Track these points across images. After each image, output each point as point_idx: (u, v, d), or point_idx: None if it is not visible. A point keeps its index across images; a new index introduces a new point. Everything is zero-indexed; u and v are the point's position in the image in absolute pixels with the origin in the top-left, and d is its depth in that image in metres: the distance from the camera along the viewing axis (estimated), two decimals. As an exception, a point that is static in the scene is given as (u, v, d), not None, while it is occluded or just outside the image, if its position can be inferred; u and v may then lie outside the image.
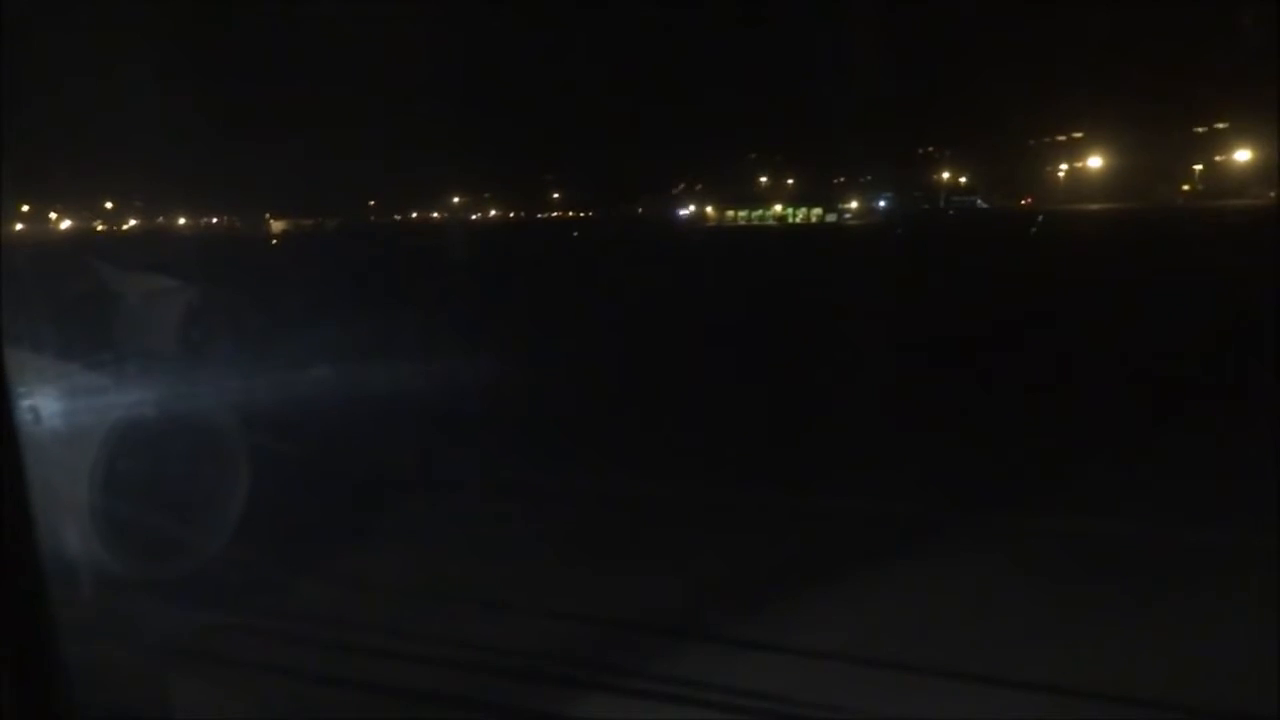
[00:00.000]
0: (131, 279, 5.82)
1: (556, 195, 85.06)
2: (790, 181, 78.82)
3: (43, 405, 5.21)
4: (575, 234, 59.29)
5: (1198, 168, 65.37)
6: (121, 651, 4.93)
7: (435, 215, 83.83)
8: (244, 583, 5.65)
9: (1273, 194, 59.24)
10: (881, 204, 75.42)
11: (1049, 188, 70.52)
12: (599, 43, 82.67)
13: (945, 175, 76.86)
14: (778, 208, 78.91)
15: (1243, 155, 63.56)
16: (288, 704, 4.91)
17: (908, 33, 67.88)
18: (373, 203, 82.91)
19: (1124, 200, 59.76)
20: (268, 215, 72.70)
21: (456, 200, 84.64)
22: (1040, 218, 51.86)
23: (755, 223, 76.35)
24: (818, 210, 76.64)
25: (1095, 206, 61.53)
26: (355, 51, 68.53)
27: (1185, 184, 66.35)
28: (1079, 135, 67.45)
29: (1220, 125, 63.22)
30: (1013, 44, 66.35)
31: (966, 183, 76.66)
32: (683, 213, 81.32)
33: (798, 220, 76.07)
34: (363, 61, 68.94)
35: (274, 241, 51.54)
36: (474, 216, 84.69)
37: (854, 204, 76.30)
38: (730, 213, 79.66)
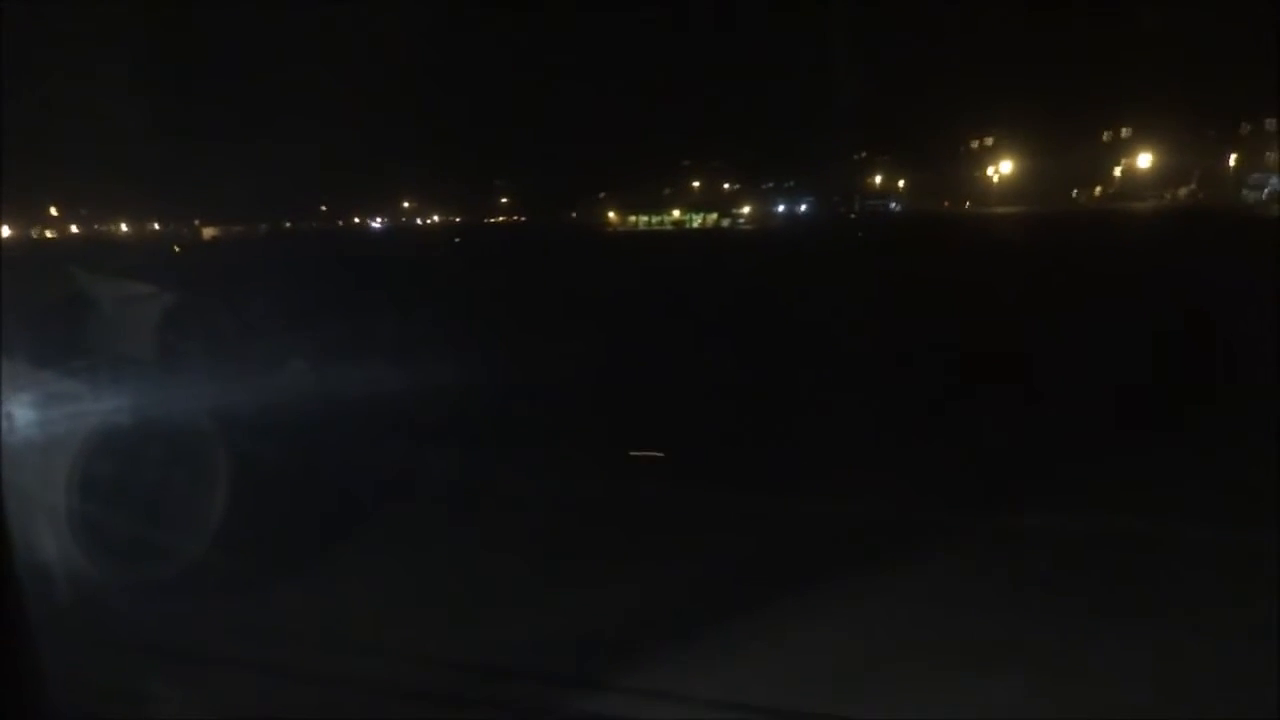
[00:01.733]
0: (105, 285, 5.87)
1: (505, 200, 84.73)
2: (695, 185, 79.76)
3: (17, 413, 5.25)
4: (456, 239, 59.24)
5: (1117, 172, 67.80)
6: (97, 655, 4.99)
7: (378, 221, 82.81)
8: (217, 585, 5.71)
9: (1168, 195, 62.52)
10: (780, 209, 77.35)
11: (975, 191, 72.24)
12: (546, 48, 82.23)
13: (878, 180, 78.28)
14: (675, 213, 79.91)
15: (1145, 161, 66.32)
16: (263, 703, 5.01)
17: (842, 39, 69.17)
18: (324, 208, 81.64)
19: (1036, 203, 61.58)
20: (196, 221, 70.81)
21: (406, 205, 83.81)
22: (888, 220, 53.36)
23: (654, 227, 77.05)
24: (714, 216, 77.53)
25: (1006, 209, 63.53)
26: (302, 56, 67.28)
27: (1098, 187, 68.72)
28: (990, 142, 69.43)
29: (1125, 133, 65.65)
30: (944, 52, 68.11)
31: (903, 186, 78.16)
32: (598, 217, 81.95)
33: (694, 225, 77.03)
34: (311, 67, 67.65)
35: (177, 249, 50.13)
36: (419, 221, 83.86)
37: (746, 209, 77.96)
38: (633, 218, 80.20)
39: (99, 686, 4.81)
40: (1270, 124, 60.98)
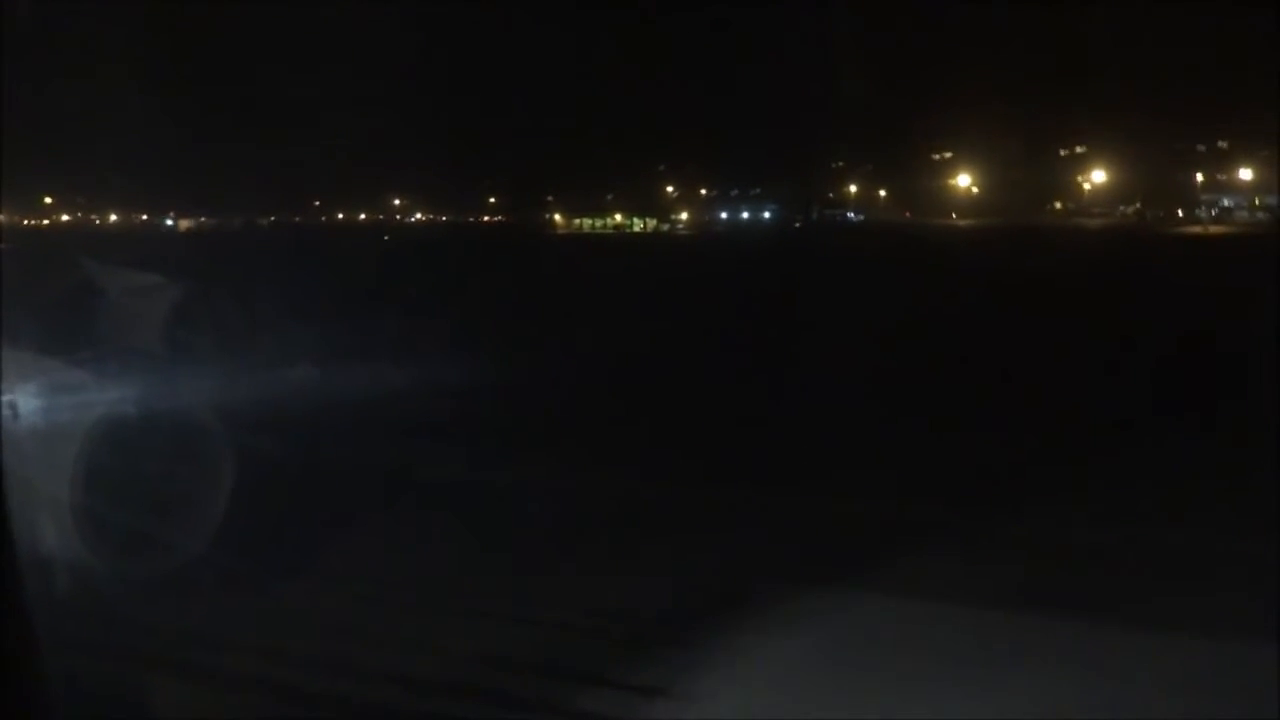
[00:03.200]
0: (114, 275, 5.76)
1: (493, 200, 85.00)
2: (640, 190, 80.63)
3: (22, 403, 5.12)
4: (385, 238, 59.17)
5: (1082, 186, 69.36)
6: (100, 652, 4.90)
7: (363, 216, 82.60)
8: (219, 580, 5.64)
9: (1123, 210, 64.07)
10: (723, 215, 78.91)
11: (939, 203, 73.36)
12: (535, 48, 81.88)
13: (852, 189, 79.28)
14: (618, 217, 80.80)
15: (1099, 176, 67.94)
16: (266, 706, 4.95)
17: (819, 47, 69.74)
18: (318, 203, 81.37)
19: (994, 216, 62.67)
20: (171, 213, 69.95)
21: (398, 202, 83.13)
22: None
23: (596, 230, 78.13)
24: (653, 221, 78.66)
25: (964, 222, 64.72)
26: (296, 52, 66.60)
27: (1057, 201, 70.18)
28: (949, 155, 70.73)
29: (1080, 149, 67.14)
30: (914, 64, 68.95)
31: (865, 196, 79.22)
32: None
33: (635, 229, 77.79)
34: (305, 63, 67.13)
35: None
36: (408, 218, 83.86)
37: (684, 215, 79.23)
38: (578, 221, 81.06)
39: (103, 687, 4.73)
40: (1223, 144, 62.83)
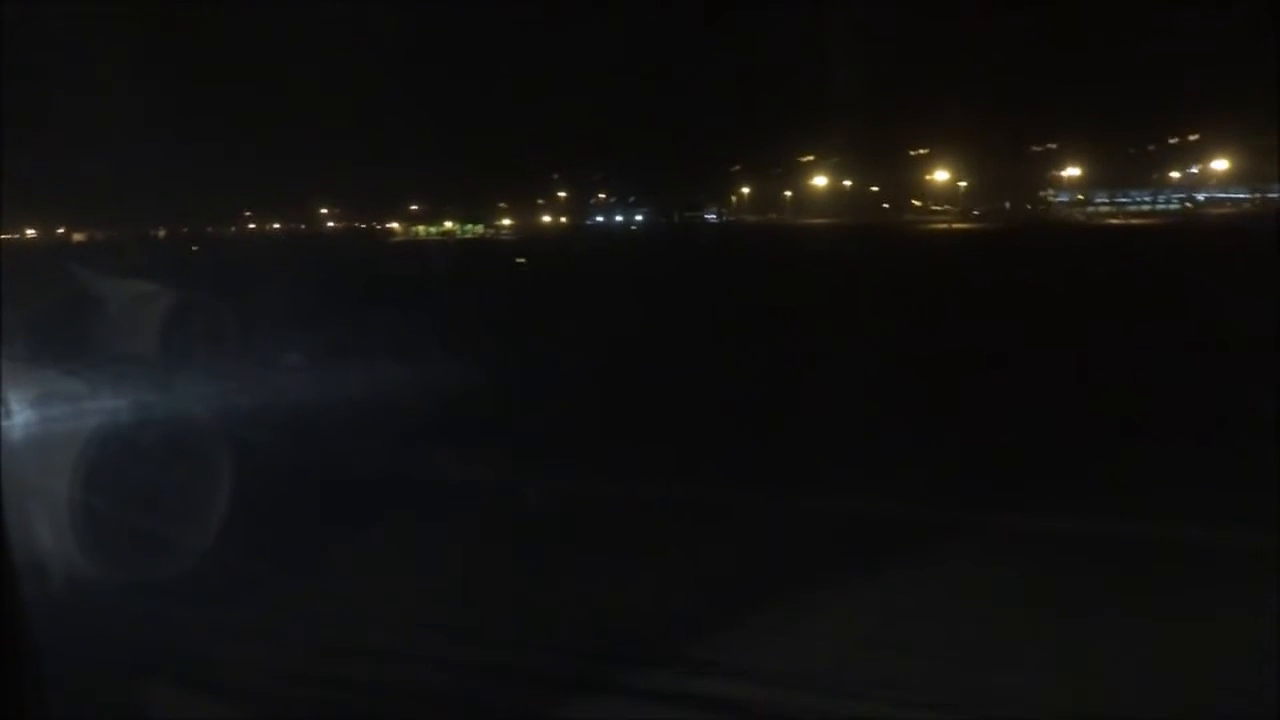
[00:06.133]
0: (110, 283, 5.52)
1: (415, 207, 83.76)
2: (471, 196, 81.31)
3: (16, 412, 4.96)
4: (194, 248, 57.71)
5: (968, 186, 72.57)
6: (98, 659, 4.84)
7: (275, 225, 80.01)
8: (219, 588, 5.56)
9: (975, 211, 67.78)
10: (599, 218, 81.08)
11: (804, 204, 75.62)
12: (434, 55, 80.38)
13: (734, 192, 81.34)
14: (448, 224, 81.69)
15: (942, 176, 71.40)
16: (266, 707, 4.97)
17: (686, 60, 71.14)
18: (249, 213, 78.68)
19: (855, 216, 64.94)
20: (63, 228, 65.64)
21: (324, 211, 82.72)
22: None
23: (429, 237, 78.65)
24: (479, 227, 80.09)
25: (819, 221, 66.91)
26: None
27: (913, 201, 73.37)
28: (811, 157, 73.26)
29: (922, 151, 70.44)
30: (777, 74, 70.90)
31: (750, 196, 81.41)
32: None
33: (464, 235, 78.67)
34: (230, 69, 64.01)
35: None
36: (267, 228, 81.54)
37: (506, 220, 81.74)
38: (417, 228, 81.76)
39: (101, 691, 4.67)
40: (1052, 145, 67.12)
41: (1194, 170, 66.52)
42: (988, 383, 11.13)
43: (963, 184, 71.32)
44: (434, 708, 4.73)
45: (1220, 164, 64.81)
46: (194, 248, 55.16)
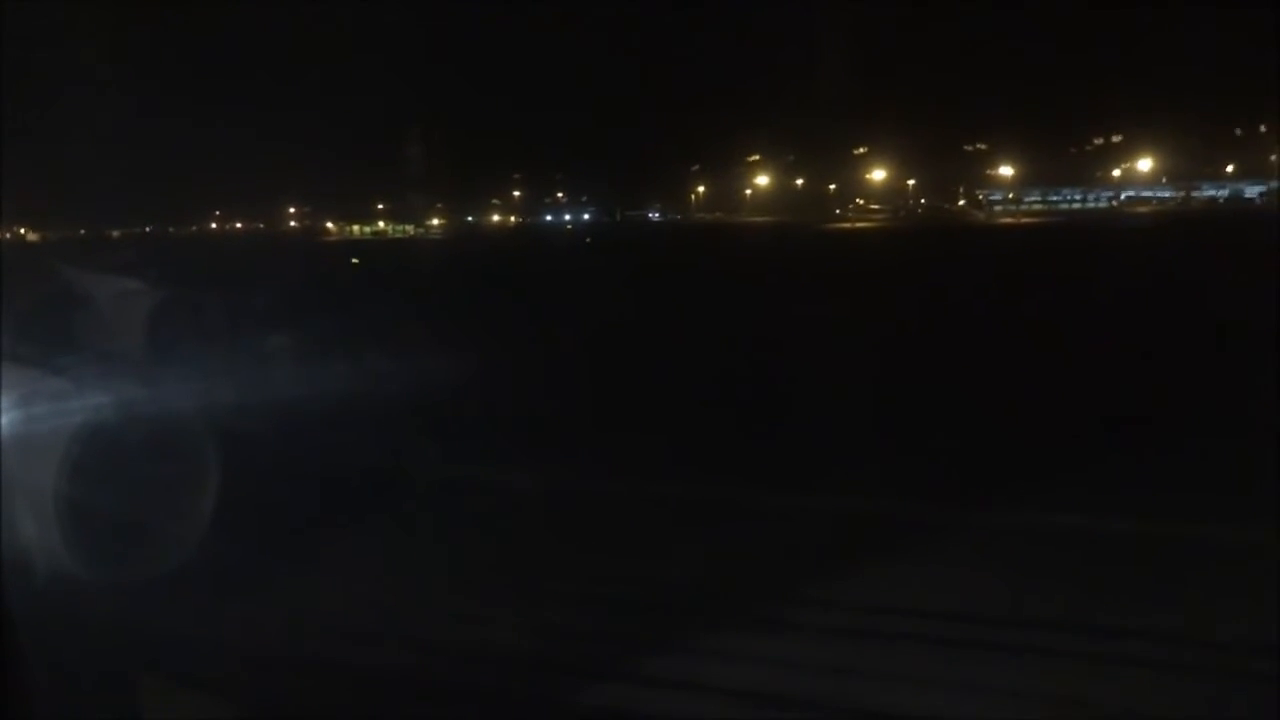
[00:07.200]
0: (97, 280, 5.47)
1: (382, 207, 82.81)
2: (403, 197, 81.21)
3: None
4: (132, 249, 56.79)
5: (916, 187, 73.80)
6: (87, 657, 4.86)
7: (239, 225, 79.54)
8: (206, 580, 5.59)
9: (903, 210, 69.15)
10: (548, 217, 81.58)
11: (749, 203, 76.45)
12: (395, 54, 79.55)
13: (699, 192, 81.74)
14: (380, 224, 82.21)
15: (879, 175, 72.80)
16: (260, 703, 5.04)
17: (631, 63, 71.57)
18: (219, 213, 77.91)
19: (792, 215, 65.76)
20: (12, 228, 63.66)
21: (293, 211, 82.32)
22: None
23: (364, 236, 78.90)
24: (410, 227, 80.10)
25: (758, 219, 67.71)
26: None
27: (850, 201, 74.48)
28: (756, 158, 74.34)
29: (862, 150, 71.72)
30: (724, 77, 71.87)
31: (703, 195, 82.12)
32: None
33: (396, 234, 78.78)
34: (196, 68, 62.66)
35: None
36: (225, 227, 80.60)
37: (435, 220, 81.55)
38: (353, 227, 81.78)
39: (91, 690, 4.69)
40: (983, 145, 68.77)
41: (1116, 172, 68.95)
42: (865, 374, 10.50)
43: (910, 182, 72.82)
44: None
45: (1145, 163, 67.33)
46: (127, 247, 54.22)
